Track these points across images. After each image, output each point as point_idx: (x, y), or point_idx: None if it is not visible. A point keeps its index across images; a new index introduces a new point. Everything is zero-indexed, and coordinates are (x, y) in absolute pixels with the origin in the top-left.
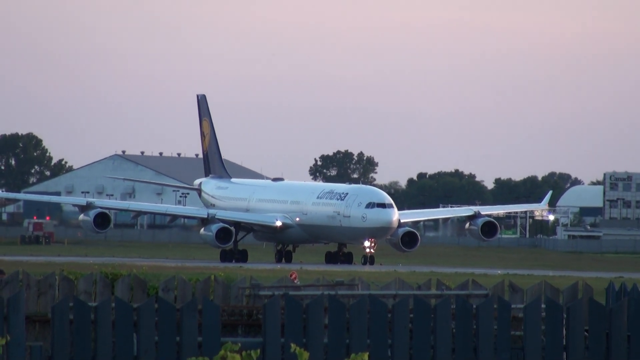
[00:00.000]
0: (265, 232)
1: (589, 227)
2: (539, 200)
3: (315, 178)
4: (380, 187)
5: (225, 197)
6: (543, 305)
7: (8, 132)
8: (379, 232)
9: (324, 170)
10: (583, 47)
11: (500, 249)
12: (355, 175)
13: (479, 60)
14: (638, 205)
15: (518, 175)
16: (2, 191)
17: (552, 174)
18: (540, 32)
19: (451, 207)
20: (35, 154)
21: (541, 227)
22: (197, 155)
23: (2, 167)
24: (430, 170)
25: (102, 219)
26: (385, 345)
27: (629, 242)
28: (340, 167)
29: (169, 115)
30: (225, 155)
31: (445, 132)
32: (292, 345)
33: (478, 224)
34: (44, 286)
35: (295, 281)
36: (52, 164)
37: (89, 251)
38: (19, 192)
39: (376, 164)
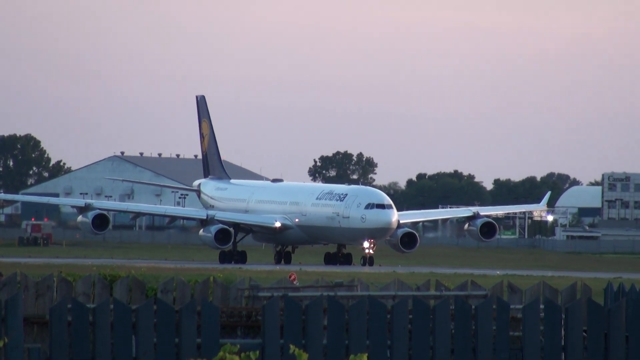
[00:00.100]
0: (264, 233)
1: (587, 228)
2: (537, 200)
3: (314, 179)
4: (380, 187)
5: (225, 198)
6: (542, 306)
7: (6, 134)
8: (378, 233)
9: (323, 171)
10: (582, 47)
11: (499, 249)
12: (354, 176)
13: (478, 61)
14: (636, 205)
15: (517, 176)
16: (1, 192)
17: (550, 175)
18: (538, 33)
19: (450, 207)
20: (33, 155)
21: (540, 228)
22: (196, 156)
23: (0, 169)
24: (430, 171)
25: (100, 221)
26: (385, 346)
27: (628, 243)
28: (340, 168)
29: (168, 116)
30: (225, 156)
31: (445, 133)
32: (291, 346)
33: (477, 225)
34: (42, 288)
35: (294, 282)
36: (51, 165)
37: (88, 252)
38: (17, 193)
39: (375, 165)
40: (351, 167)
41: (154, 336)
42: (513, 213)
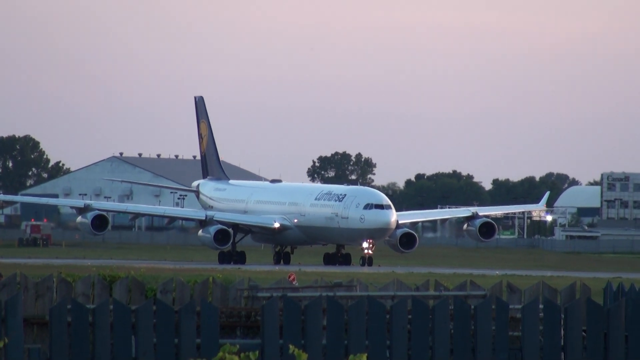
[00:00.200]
0: (263, 233)
1: (586, 228)
2: (536, 200)
3: (313, 179)
4: (378, 188)
5: (223, 199)
6: (541, 306)
7: (5, 135)
8: (377, 233)
9: (322, 172)
10: (581, 48)
11: (498, 249)
12: (353, 177)
13: (477, 61)
14: (635, 205)
15: (516, 176)
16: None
17: (549, 175)
18: (538, 34)
19: (449, 208)
20: (32, 156)
21: (539, 228)
22: (194, 157)
23: (0, 170)
24: (428, 171)
25: (100, 221)
26: (384, 346)
27: (627, 242)
28: (338, 168)
29: (167, 117)
30: (223, 157)
31: (443, 133)
32: (291, 346)
33: (476, 225)
34: (42, 288)
35: (293, 282)
36: (50, 166)
37: (87, 253)
38: (16, 194)
39: (374, 165)
40: (350, 167)
41: (153, 337)
42: (512, 213)
